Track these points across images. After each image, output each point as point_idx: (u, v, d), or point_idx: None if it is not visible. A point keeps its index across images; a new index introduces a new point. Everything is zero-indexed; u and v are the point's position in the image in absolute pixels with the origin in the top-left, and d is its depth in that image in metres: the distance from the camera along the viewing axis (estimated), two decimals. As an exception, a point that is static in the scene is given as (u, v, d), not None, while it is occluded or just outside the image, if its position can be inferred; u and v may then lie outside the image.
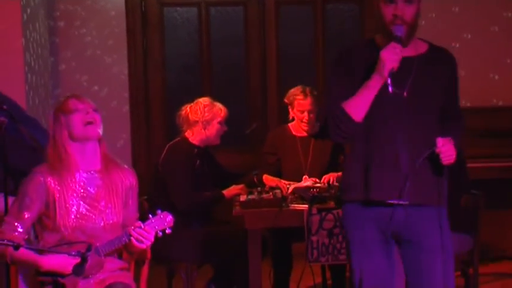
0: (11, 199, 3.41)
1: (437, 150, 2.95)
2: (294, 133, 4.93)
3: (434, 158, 2.98)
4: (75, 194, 3.24)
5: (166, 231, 3.19)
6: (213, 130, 4.68)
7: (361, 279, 3.08)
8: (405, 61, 2.94)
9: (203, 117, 4.65)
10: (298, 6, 6.65)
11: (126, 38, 6.40)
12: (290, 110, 4.89)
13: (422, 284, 3.06)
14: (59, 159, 3.24)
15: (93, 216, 3.25)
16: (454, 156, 2.97)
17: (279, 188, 4.55)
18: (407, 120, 2.99)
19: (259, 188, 4.53)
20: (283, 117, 5.21)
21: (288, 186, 4.55)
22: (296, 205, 4.30)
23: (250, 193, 4.47)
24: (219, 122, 4.69)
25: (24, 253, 3.14)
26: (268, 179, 4.74)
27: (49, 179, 3.22)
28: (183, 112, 4.72)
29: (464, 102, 6.22)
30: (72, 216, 3.22)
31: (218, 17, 6.57)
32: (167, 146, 4.69)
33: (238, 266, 4.47)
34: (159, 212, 3.20)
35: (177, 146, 4.68)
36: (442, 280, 3.02)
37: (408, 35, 2.99)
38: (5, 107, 3.66)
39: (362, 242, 3.08)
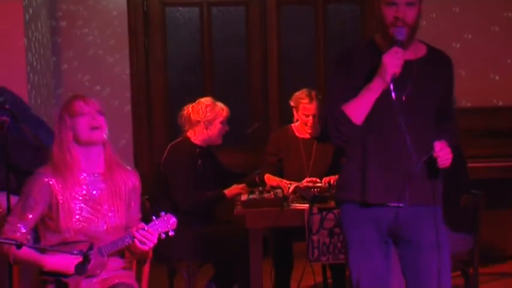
0: (13, 198, 3.43)
1: (434, 154, 2.97)
2: (297, 134, 4.93)
3: (431, 161, 2.99)
4: (78, 197, 3.24)
5: (170, 233, 3.20)
6: (215, 130, 4.69)
7: (359, 279, 3.09)
8: (405, 65, 2.94)
9: (205, 117, 4.65)
10: (300, 6, 6.65)
11: (128, 38, 6.40)
12: (295, 112, 4.87)
13: (420, 282, 3.07)
14: (63, 161, 3.23)
15: (96, 219, 3.25)
16: (450, 160, 2.99)
17: (280, 188, 4.54)
18: (406, 122, 2.97)
19: (260, 188, 4.54)
20: (285, 117, 5.21)
21: (289, 185, 4.56)
22: (297, 205, 4.30)
23: (252, 193, 4.46)
24: (221, 122, 4.70)
25: (26, 252, 3.15)
26: (270, 179, 4.74)
27: (53, 181, 3.22)
28: (185, 112, 4.72)
29: (464, 102, 6.24)
30: (75, 219, 3.22)
31: (220, 17, 6.58)
32: (169, 146, 4.70)
33: (240, 265, 4.49)
34: (162, 214, 3.21)
35: (179, 145, 4.69)
36: (437, 278, 3.02)
37: (409, 38, 2.98)
38: (7, 106, 3.68)
39: (360, 241, 3.09)
